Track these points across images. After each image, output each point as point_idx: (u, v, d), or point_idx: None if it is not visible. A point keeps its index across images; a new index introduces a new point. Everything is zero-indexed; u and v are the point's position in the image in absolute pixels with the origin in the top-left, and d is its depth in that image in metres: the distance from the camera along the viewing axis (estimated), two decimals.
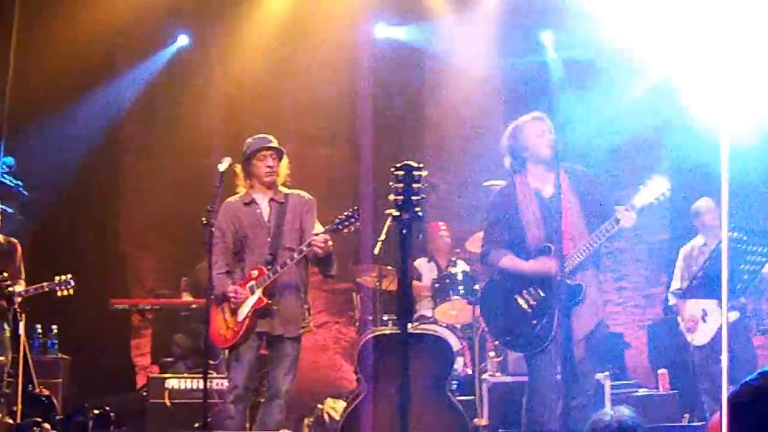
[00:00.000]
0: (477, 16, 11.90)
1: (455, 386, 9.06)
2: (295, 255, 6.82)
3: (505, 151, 6.51)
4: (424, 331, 6.52)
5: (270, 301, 6.86)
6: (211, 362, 8.35)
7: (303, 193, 7.26)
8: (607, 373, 8.72)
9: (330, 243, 6.82)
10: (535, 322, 6.19)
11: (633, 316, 12.10)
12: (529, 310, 6.23)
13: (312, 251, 6.80)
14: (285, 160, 7.19)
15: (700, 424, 8.71)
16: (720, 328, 8.44)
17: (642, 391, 9.87)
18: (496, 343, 8.72)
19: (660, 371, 9.96)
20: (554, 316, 6.07)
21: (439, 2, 11.92)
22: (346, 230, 6.82)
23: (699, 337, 8.89)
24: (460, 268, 9.89)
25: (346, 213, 6.82)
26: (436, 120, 12.33)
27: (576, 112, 12.12)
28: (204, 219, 6.77)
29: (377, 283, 9.37)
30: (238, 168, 7.13)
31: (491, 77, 12.11)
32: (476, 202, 10.51)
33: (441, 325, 9.50)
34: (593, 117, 12.15)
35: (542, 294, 6.21)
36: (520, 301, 6.26)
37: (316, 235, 6.81)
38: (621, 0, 11.66)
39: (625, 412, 4.60)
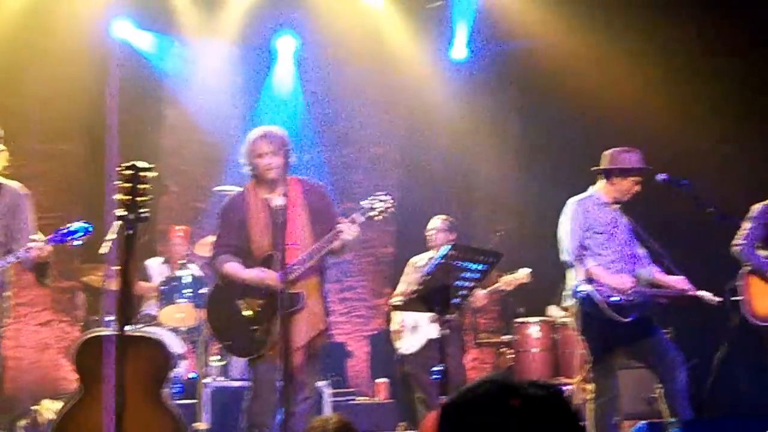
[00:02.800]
0: (222, 27, 11.88)
1: (177, 390, 9.02)
2: (10, 258, 6.56)
3: (245, 159, 6.57)
4: (143, 334, 6.43)
5: None
6: None
7: (16, 184, 6.94)
8: (327, 381, 8.88)
9: (49, 250, 6.60)
10: (255, 327, 6.26)
11: (357, 326, 12.37)
12: (250, 316, 6.29)
13: (28, 257, 6.57)
14: (4, 154, 6.90)
15: None
16: (429, 340, 8.85)
17: (360, 400, 10.13)
18: (220, 347, 8.75)
19: (379, 381, 10.23)
20: (274, 322, 6.16)
21: (186, 14, 11.78)
22: (73, 243, 6.64)
23: (406, 346, 9.19)
24: (190, 271, 9.86)
25: (76, 226, 6.64)
26: (173, 122, 12.19)
27: (318, 124, 12.34)
28: None
29: (104, 283, 9.21)
30: None
31: (232, 84, 12.12)
32: (207, 206, 10.53)
33: (166, 328, 9.44)
34: (327, 129, 12.38)
35: (263, 301, 6.28)
36: (242, 306, 6.32)
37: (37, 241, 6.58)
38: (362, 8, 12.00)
39: (339, 418, 4.69)
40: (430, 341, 8.69)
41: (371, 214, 6.37)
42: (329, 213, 6.53)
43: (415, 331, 9.08)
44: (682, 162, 9.35)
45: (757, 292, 7.98)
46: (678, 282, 7.30)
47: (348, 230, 6.25)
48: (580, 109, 11.23)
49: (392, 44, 12.15)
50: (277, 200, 6.32)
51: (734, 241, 8.07)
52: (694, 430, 6.53)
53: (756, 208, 8.16)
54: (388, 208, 6.39)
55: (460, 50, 12.44)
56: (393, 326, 9.35)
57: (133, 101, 11.33)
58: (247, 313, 6.31)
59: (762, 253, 8.10)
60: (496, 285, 9.08)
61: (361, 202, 6.43)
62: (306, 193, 6.50)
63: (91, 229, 6.65)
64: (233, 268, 6.39)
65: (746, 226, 8.09)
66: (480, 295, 9.08)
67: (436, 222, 9.41)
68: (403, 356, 9.35)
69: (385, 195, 6.42)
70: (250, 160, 6.46)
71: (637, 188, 7.43)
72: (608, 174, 7.47)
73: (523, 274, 9.11)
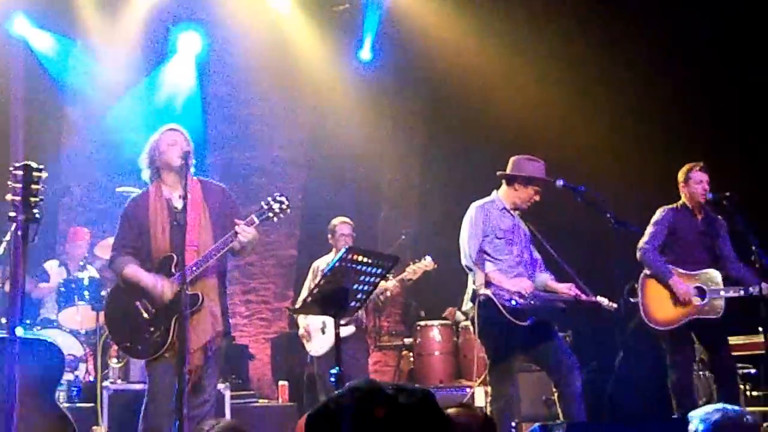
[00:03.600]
0: (126, 27, 11.71)
1: (76, 393, 8.90)
2: None
3: (144, 161, 6.52)
4: (34, 336, 6.35)
5: None
6: None
7: None
8: (227, 383, 8.83)
9: None
10: (152, 329, 6.22)
11: (260, 328, 12.33)
12: (148, 318, 6.25)
13: None
14: None
15: None
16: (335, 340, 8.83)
17: (261, 402, 10.07)
18: (119, 349, 8.66)
19: (280, 383, 10.19)
20: (171, 324, 6.14)
21: (89, 15, 11.57)
22: None
23: (315, 348, 9.16)
24: (89, 273, 9.73)
25: None
26: (76, 123, 12.00)
27: (222, 126, 12.25)
28: None
29: (1, 285, 9.06)
30: None
31: (136, 85, 11.98)
32: (108, 207, 10.39)
33: (65, 330, 9.31)
34: (233, 131, 12.29)
35: (161, 302, 6.23)
36: (140, 308, 6.26)
37: None
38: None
39: (227, 423, 4.66)
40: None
41: (268, 215, 6.36)
42: (231, 214, 6.50)
43: (324, 332, 9.06)
44: (582, 168, 9.51)
45: (654, 297, 8.12)
46: (567, 288, 7.39)
47: (244, 232, 6.24)
48: (484, 114, 11.34)
49: (299, 47, 12.13)
50: (178, 201, 6.31)
51: (639, 244, 8.19)
52: None
53: (662, 211, 8.31)
54: (285, 209, 6.39)
55: (366, 53, 12.47)
56: (301, 330, 9.32)
57: (34, 101, 11.14)
58: (145, 314, 6.26)
59: (663, 257, 8.25)
60: (402, 275, 9.11)
61: (261, 203, 6.41)
62: (207, 194, 6.48)
63: None
64: (132, 270, 6.33)
65: (651, 230, 8.24)
66: (392, 285, 9.10)
67: (338, 225, 9.39)
68: (312, 358, 9.32)
69: (281, 196, 6.41)
70: (160, 152, 6.43)
71: (537, 197, 7.53)
72: (512, 180, 7.55)
73: (427, 261, 9.15)
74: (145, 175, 6.56)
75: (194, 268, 6.16)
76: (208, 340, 6.26)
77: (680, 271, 8.11)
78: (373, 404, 2.20)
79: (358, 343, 9.14)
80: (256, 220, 6.31)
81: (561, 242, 7.68)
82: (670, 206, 8.33)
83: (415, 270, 9.14)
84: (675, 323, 8.04)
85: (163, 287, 6.19)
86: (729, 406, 4.30)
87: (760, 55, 10.81)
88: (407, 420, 2.20)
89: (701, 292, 8.05)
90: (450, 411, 3.70)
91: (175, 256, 6.22)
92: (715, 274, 8.11)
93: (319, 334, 9.11)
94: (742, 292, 8.02)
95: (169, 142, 6.43)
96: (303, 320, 9.26)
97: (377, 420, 2.18)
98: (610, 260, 8.93)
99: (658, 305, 8.10)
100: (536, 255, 7.65)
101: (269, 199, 6.39)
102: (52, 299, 9.85)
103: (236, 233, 6.24)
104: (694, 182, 8.22)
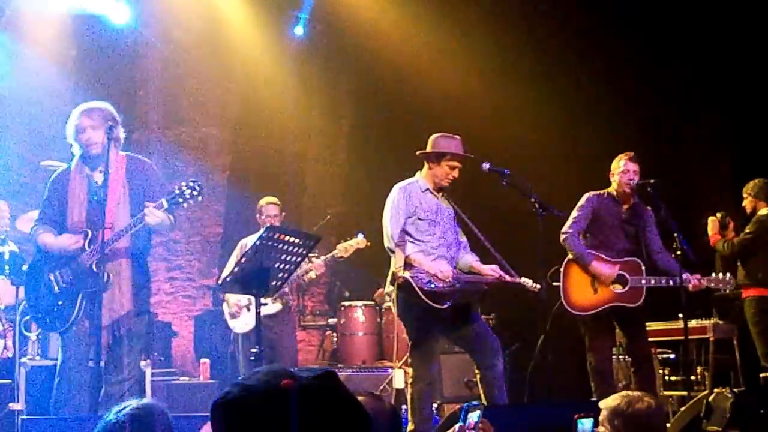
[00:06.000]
0: None
1: None
2: None
3: (70, 136, 6.47)
4: None
5: None
6: None
7: None
8: (148, 360, 8.75)
9: None
10: (60, 302, 6.28)
11: (184, 305, 12.25)
12: (57, 290, 6.31)
13: None
14: None
15: None
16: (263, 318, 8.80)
17: (183, 380, 10.01)
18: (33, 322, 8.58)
19: (202, 361, 10.14)
20: (77, 299, 6.19)
21: None
22: None
23: (240, 325, 9.11)
24: (9, 247, 9.57)
25: None
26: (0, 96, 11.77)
27: (151, 102, 12.08)
28: None
29: None
30: None
31: (64, 57, 11.76)
32: (30, 180, 10.25)
33: None
34: (162, 107, 12.14)
35: (70, 276, 6.28)
36: (52, 280, 6.33)
37: None
38: None
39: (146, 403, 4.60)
40: (265, 319, 8.64)
41: (178, 200, 6.26)
42: (155, 192, 6.44)
43: (249, 310, 9.00)
44: (510, 151, 9.56)
45: (576, 282, 8.19)
46: (491, 270, 7.42)
47: (151, 215, 6.18)
48: (414, 95, 11.36)
49: (231, 22, 12.01)
50: (99, 177, 6.27)
51: (563, 229, 8.25)
52: (495, 415, 6.65)
53: (586, 197, 8.37)
54: (196, 195, 6.28)
55: (299, 30, 12.42)
56: (230, 307, 9.21)
57: None
58: (56, 287, 6.32)
59: (585, 242, 8.32)
60: (332, 252, 9.05)
61: (174, 187, 6.32)
62: (131, 172, 6.46)
63: None
64: (45, 237, 6.37)
65: (574, 215, 8.29)
66: (317, 264, 9.03)
67: (265, 205, 9.33)
68: (236, 335, 9.27)
69: (194, 181, 6.30)
70: (75, 137, 6.40)
71: (454, 174, 7.48)
72: (427, 158, 7.55)
73: (359, 239, 9.09)
74: (75, 149, 6.52)
75: (106, 246, 6.11)
76: (114, 319, 6.23)
77: (602, 257, 8.19)
78: (280, 379, 2.22)
79: (286, 320, 9.13)
80: (166, 204, 6.23)
81: (486, 223, 7.70)
82: (595, 192, 8.40)
83: (346, 248, 9.06)
84: (593, 309, 8.13)
85: (68, 242, 6.24)
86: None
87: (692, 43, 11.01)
88: (314, 391, 2.22)
89: (623, 280, 8.14)
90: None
91: (89, 232, 6.23)
92: (637, 263, 8.20)
93: (245, 311, 9.06)
94: (663, 282, 8.13)
95: (81, 128, 6.39)
96: (233, 297, 9.19)
97: (286, 391, 2.19)
98: (535, 243, 9.02)
99: (579, 291, 8.18)
100: (462, 237, 7.66)
101: (182, 184, 6.29)
102: None
103: (143, 216, 6.18)
104: (620, 171, 8.30)
